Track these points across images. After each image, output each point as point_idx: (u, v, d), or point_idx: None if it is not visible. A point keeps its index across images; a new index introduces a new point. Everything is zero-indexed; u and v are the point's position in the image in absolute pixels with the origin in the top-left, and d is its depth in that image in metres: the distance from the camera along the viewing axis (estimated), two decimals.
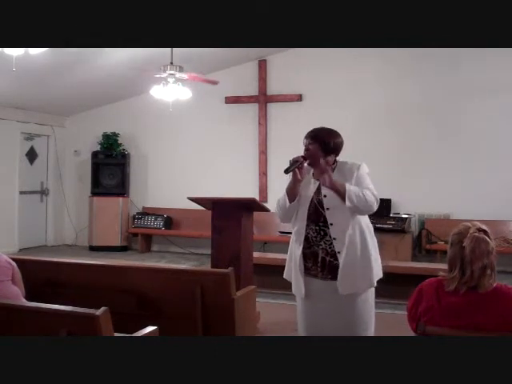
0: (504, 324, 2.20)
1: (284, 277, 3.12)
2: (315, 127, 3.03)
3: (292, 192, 2.94)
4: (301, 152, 3.03)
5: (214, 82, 6.91)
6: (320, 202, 2.92)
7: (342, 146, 2.99)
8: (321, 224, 2.92)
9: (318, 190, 2.94)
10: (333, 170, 2.94)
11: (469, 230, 2.30)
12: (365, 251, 2.90)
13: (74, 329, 2.17)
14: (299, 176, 2.90)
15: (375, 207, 2.87)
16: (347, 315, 2.91)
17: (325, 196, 2.91)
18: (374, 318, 3.03)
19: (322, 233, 2.91)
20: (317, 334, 2.92)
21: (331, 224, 2.88)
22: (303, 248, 2.96)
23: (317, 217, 2.92)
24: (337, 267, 2.88)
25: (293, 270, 3.02)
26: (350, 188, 2.82)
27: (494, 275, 2.28)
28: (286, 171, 2.93)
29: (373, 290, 3.00)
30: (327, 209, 2.89)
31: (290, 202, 2.94)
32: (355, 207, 2.82)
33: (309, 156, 2.93)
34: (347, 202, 2.80)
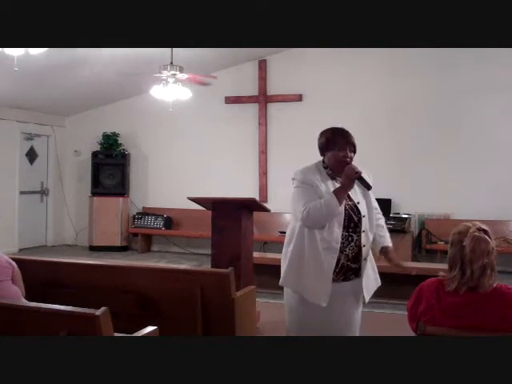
0: (504, 324, 2.20)
1: (283, 284, 2.96)
2: (343, 130, 2.88)
3: (343, 199, 2.77)
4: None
5: (213, 77, 6.90)
6: (352, 208, 2.84)
7: None
8: (350, 230, 2.83)
9: (348, 195, 2.85)
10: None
11: (469, 230, 2.30)
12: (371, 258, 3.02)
13: (73, 329, 2.17)
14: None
15: None
16: (349, 315, 2.91)
17: (358, 203, 2.86)
18: None
19: (350, 238, 2.83)
20: (314, 334, 2.89)
21: (363, 231, 2.84)
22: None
23: (349, 223, 2.83)
24: (351, 269, 2.85)
25: (312, 279, 2.83)
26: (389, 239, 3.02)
27: (494, 275, 2.28)
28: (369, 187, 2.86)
29: None
30: (363, 216, 2.84)
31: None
32: None
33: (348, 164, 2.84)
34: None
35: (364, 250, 2.85)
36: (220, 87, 8.02)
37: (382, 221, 3.06)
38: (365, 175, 2.85)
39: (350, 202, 2.84)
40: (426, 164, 7.77)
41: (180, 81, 6.39)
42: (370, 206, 2.91)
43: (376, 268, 3.00)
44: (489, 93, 7.42)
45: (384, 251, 2.97)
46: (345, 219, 2.80)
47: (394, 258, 2.97)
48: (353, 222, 2.83)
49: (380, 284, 3.01)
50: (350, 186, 2.79)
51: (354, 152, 2.87)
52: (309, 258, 2.84)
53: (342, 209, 2.78)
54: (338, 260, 2.82)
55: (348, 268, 2.85)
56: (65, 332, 2.17)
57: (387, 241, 2.99)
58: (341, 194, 2.75)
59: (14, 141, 8.73)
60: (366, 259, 2.86)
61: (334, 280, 2.83)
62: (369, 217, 2.88)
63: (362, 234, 2.84)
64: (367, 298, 2.93)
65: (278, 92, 8.46)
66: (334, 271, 2.82)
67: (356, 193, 2.88)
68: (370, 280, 2.93)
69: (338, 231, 2.79)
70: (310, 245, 2.84)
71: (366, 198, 2.90)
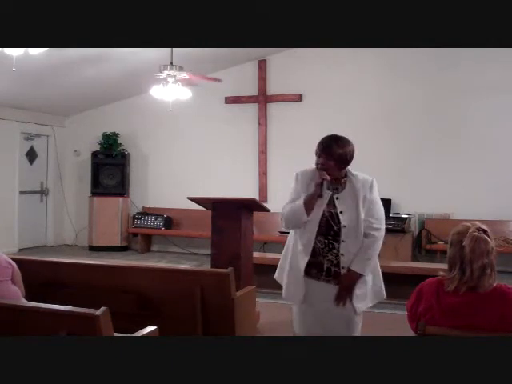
0: (504, 324, 2.20)
1: (275, 278, 3.06)
2: (325, 138, 2.88)
3: (311, 206, 2.83)
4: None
5: (217, 80, 6.92)
6: (332, 216, 2.84)
7: (353, 154, 2.90)
8: (330, 237, 2.85)
9: (331, 202, 2.86)
10: (344, 183, 2.89)
11: (468, 230, 2.30)
12: (375, 265, 2.94)
13: (73, 329, 2.17)
14: (321, 192, 2.84)
15: (383, 236, 2.91)
16: (347, 317, 2.89)
17: (341, 212, 2.84)
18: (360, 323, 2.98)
19: (331, 246, 2.85)
20: (317, 334, 2.90)
21: (343, 241, 2.83)
22: (309, 257, 2.88)
23: (327, 230, 2.85)
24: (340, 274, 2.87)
25: (290, 277, 2.94)
26: (365, 268, 2.85)
27: (494, 275, 2.28)
28: (321, 196, 2.83)
29: None
30: (344, 226, 2.83)
31: (308, 216, 2.83)
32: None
33: (329, 174, 2.84)
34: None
35: (343, 258, 2.84)
36: (220, 87, 8.01)
37: (370, 242, 2.85)
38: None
39: (331, 210, 2.85)
40: (426, 164, 7.76)
41: (180, 81, 6.39)
42: (358, 217, 2.83)
43: (380, 280, 2.94)
44: (489, 93, 7.41)
45: (345, 272, 2.85)
46: (321, 226, 2.84)
47: (344, 286, 2.83)
48: (332, 231, 2.85)
49: (384, 297, 2.94)
50: (316, 192, 2.81)
51: (335, 160, 2.82)
52: (292, 257, 2.96)
53: (317, 215, 2.83)
54: (322, 264, 2.86)
55: (336, 273, 2.87)
56: (65, 332, 2.17)
57: (357, 266, 2.83)
58: (308, 200, 2.82)
59: (13, 141, 8.72)
60: (344, 268, 2.84)
61: (328, 281, 2.87)
62: (354, 228, 2.84)
63: (342, 244, 2.83)
64: (359, 307, 2.85)
65: (278, 92, 8.46)
66: (322, 274, 2.87)
67: (343, 202, 2.86)
68: (364, 289, 2.87)
69: (309, 236, 2.85)
70: (293, 244, 2.96)
71: (356, 209, 2.83)
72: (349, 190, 2.86)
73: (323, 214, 2.85)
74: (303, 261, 2.88)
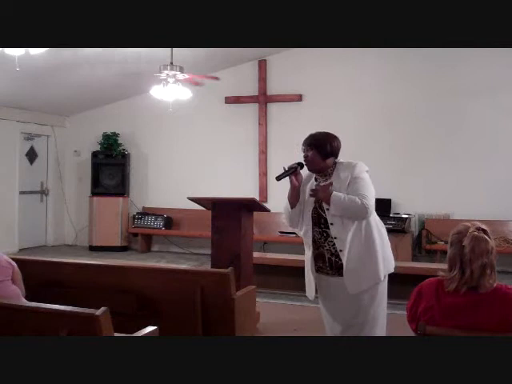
0: (504, 324, 2.20)
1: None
2: (311, 133, 3.08)
3: (291, 198, 3.07)
4: (301, 151, 3.07)
5: (215, 78, 6.92)
6: (320, 205, 3.00)
7: (339, 148, 3.06)
8: (322, 226, 3.00)
9: None
10: (331, 172, 3.02)
11: (468, 230, 2.30)
12: (370, 247, 2.94)
13: (74, 329, 2.17)
14: (295, 182, 3.04)
15: (366, 214, 2.90)
16: (354, 311, 2.96)
17: None
18: (382, 315, 3.02)
19: (325, 234, 3.00)
20: (332, 331, 3.05)
21: (331, 224, 2.96)
22: (313, 249, 3.05)
23: (318, 218, 3.01)
24: (342, 266, 2.95)
25: (306, 275, 3.11)
26: (335, 197, 2.89)
27: (495, 275, 2.28)
28: (278, 178, 3.06)
29: (382, 287, 3.00)
30: (327, 209, 2.96)
31: (292, 208, 3.06)
32: (342, 215, 2.92)
33: (308, 163, 3.04)
34: (332, 211, 2.92)
35: (337, 241, 2.95)
36: (220, 87, 8.02)
37: (351, 197, 2.90)
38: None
39: (319, 200, 3.01)
40: (426, 164, 7.77)
41: (180, 81, 6.39)
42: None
43: (377, 262, 2.93)
44: (489, 93, 7.41)
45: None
46: (314, 216, 3.02)
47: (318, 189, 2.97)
48: (322, 218, 3.00)
49: (380, 279, 2.95)
50: (292, 183, 3.05)
51: (315, 148, 3.00)
52: (305, 256, 3.14)
53: (309, 207, 3.03)
54: (323, 255, 3.01)
55: (337, 264, 2.98)
56: (65, 332, 2.17)
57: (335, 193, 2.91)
58: (289, 194, 3.08)
59: (13, 141, 8.72)
60: (342, 251, 2.93)
61: (332, 275, 3.00)
62: None
63: (331, 227, 2.95)
64: (353, 290, 2.91)
65: (278, 92, 8.46)
66: (326, 266, 3.01)
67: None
68: (357, 273, 2.92)
69: (307, 228, 3.05)
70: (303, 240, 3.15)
71: (339, 190, 2.93)
72: (335, 176, 2.99)
73: (314, 206, 3.02)
74: (307, 255, 3.07)
